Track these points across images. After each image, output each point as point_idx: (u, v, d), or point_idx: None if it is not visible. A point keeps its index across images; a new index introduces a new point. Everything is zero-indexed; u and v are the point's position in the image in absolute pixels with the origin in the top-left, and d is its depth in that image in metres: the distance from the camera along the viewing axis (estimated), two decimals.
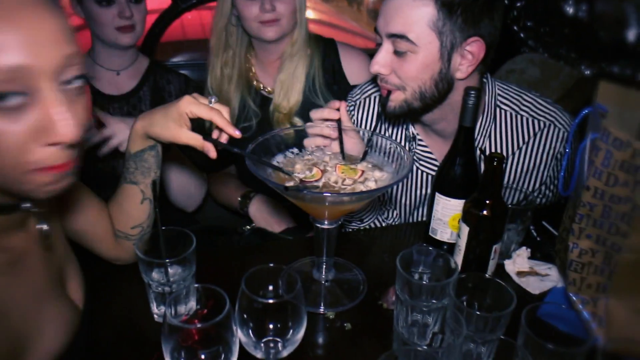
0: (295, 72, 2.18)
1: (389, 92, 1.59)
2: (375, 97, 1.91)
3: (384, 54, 1.55)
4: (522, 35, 3.01)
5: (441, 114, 1.65)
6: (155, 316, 1.34)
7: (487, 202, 1.31)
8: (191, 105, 1.30)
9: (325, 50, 2.25)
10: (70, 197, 1.39)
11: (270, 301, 1.04)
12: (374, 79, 1.86)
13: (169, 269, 1.28)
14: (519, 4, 2.98)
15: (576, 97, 2.49)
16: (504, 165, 1.30)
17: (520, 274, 1.48)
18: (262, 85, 2.29)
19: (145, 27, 2.23)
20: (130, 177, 1.41)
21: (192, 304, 1.23)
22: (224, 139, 1.38)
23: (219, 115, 1.31)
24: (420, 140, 1.81)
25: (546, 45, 2.85)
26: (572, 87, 2.54)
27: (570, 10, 2.63)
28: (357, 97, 1.95)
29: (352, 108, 1.93)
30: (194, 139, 1.32)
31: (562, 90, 2.55)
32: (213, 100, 1.35)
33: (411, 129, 1.81)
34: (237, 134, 1.32)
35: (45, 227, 1.12)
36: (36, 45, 0.83)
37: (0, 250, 1.03)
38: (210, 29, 2.22)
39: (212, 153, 1.32)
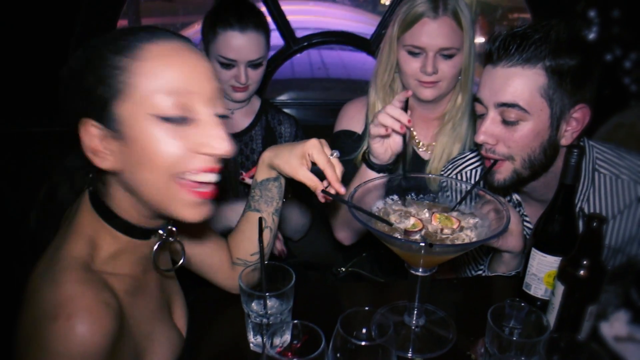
0: (457, 135, 2.14)
1: (493, 164, 1.59)
2: (467, 173, 1.93)
3: (491, 123, 1.56)
4: (634, 87, 2.93)
5: (545, 182, 1.64)
6: (251, 345, 1.42)
7: (585, 262, 1.29)
8: (314, 149, 1.41)
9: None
10: (191, 229, 1.53)
11: (363, 343, 1.09)
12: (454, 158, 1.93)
13: (268, 302, 1.37)
14: (634, 56, 2.91)
15: None
16: (604, 227, 1.28)
17: (617, 339, 1.43)
18: (416, 138, 2.23)
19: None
20: (255, 205, 1.54)
21: (287, 337, 1.30)
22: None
23: (332, 169, 1.40)
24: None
25: None
26: None
27: None
28: (450, 172, 1.97)
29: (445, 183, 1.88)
30: (310, 180, 1.42)
31: None
32: (335, 154, 1.45)
33: (515, 195, 1.80)
34: (342, 190, 1.40)
35: (182, 260, 1.34)
36: (195, 78, 1.07)
37: (132, 276, 1.20)
38: (373, 71, 2.16)
39: (322, 198, 1.41)
